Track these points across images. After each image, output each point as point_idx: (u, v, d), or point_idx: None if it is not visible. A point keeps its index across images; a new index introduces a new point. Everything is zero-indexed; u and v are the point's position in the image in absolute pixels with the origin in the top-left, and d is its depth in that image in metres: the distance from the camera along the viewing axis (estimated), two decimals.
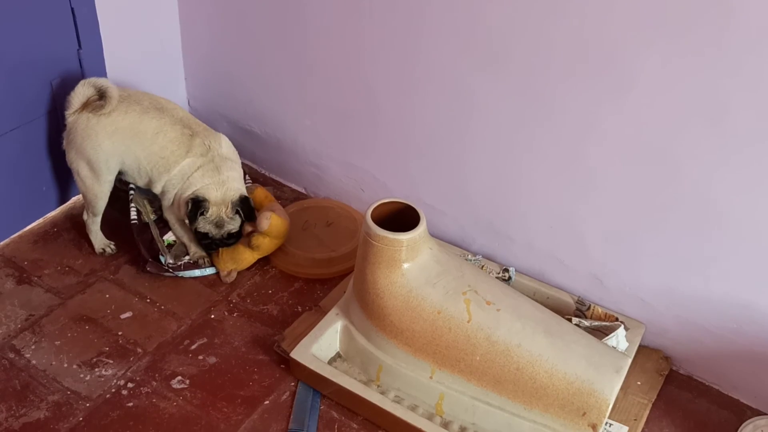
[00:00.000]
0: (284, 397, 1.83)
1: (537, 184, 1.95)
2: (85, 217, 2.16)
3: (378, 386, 1.81)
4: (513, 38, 1.78)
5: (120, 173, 2.10)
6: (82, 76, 2.14)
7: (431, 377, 1.74)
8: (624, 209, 1.83)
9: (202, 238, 2.08)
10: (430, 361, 1.73)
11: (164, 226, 2.19)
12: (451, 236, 2.20)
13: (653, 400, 1.85)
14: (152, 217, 2.21)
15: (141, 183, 2.12)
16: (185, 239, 2.15)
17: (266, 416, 1.78)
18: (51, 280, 2.09)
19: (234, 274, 2.13)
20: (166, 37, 2.41)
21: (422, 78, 1.99)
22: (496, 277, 2.03)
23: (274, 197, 2.29)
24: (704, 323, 1.85)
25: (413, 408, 1.75)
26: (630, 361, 1.71)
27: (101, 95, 2.01)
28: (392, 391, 1.79)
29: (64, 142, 2.08)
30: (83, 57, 2.14)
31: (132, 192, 2.20)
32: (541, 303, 1.85)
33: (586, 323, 1.89)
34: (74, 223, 2.26)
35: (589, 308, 1.96)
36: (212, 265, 2.14)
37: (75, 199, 2.34)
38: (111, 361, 1.88)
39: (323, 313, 1.95)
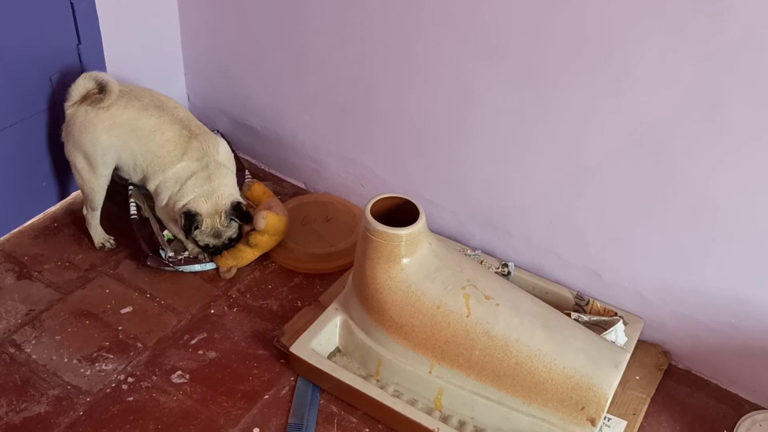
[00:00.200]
0: (284, 391, 1.84)
1: (536, 179, 1.95)
2: (84, 211, 2.16)
3: (377, 381, 1.81)
4: (511, 33, 1.78)
5: (116, 168, 2.11)
6: (82, 71, 2.13)
7: (430, 372, 1.75)
8: (623, 204, 1.83)
9: (205, 249, 2.09)
10: (429, 355, 1.74)
11: None
12: (451, 231, 2.20)
13: (652, 394, 1.86)
14: (151, 212, 2.21)
15: (135, 179, 2.12)
16: (181, 237, 2.15)
17: (266, 411, 1.79)
18: (51, 275, 2.09)
19: (233, 271, 2.14)
20: (166, 32, 2.41)
21: (421, 73, 1.99)
22: (495, 272, 2.04)
23: (272, 193, 2.29)
24: (703, 318, 1.86)
25: (412, 402, 1.76)
26: (629, 355, 1.71)
27: (101, 89, 2.00)
28: (391, 385, 1.80)
29: (63, 134, 2.08)
30: (83, 52, 2.14)
31: (131, 187, 2.20)
32: (540, 298, 1.85)
33: (585, 318, 1.90)
34: (74, 219, 2.26)
35: (588, 303, 1.96)
36: (212, 260, 2.15)
37: (75, 195, 2.34)
38: (111, 356, 1.89)
39: (323, 308, 1.95)
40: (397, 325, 1.74)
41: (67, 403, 1.77)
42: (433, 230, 2.11)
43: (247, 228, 2.11)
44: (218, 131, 2.50)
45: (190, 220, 2.01)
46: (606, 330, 1.82)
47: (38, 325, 1.95)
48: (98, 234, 2.18)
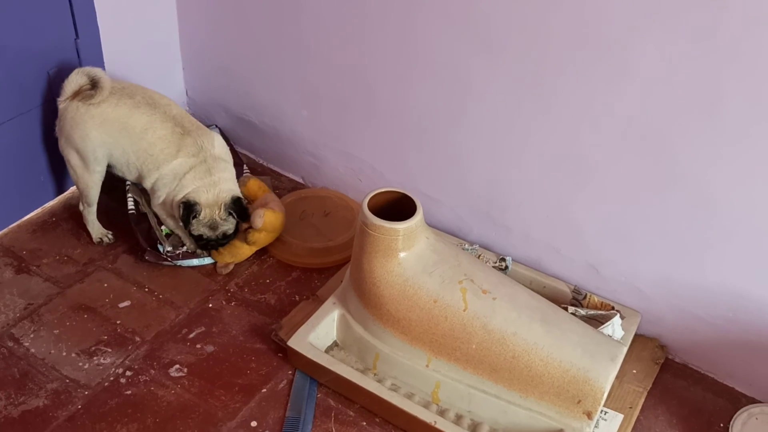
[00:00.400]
0: (281, 385, 1.84)
1: (534, 173, 1.95)
2: (80, 207, 2.16)
3: (375, 374, 1.82)
4: (510, 27, 1.78)
5: (110, 166, 2.10)
6: (80, 66, 2.14)
7: (427, 365, 1.75)
8: (621, 199, 1.83)
9: (197, 240, 2.08)
10: (427, 349, 1.74)
11: None
12: (449, 226, 2.20)
13: (648, 388, 1.86)
14: (149, 207, 2.21)
15: (131, 177, 2.12)
16: (179, 232, 2.15)
17: (264, 404, 1.79)
18: (50, 270, 2.09)
19: (231, 266, 2.14)
20: (164, 27, 2.41)
21: (419, 67, 1.99)
22: (493, 267, 2.04)
23: (268, 188, 2.28)
24: (700, 312, 1.86)
25: (410, 396, 1.77)
26: (625, 349, 1.72)
27: (93, 85, 2.00)
28: (389, 379, 1.80)
29: (56, 129, 2.08)
30: (80, 47, 2.14)
31: (128, 182, 2.20)
32: (538, 292, 1.86)
33: (582, 312, 1.90)
34: (72, 213, 2.26)
35: (585, 297, 1.97)
36: (210, 255, 2.15)
37: (73, 189, 2.34)
38: (109, 350, 1.89)
39: (320, 302, 1.95)
40: (394, 319, 1.75)
41: (65, 396, 1.78)
42: (431, 225, 2.12)
43: (244, 225, 2.11)
44: (216, 126, 2.50)
45: (189, 209, 2.00)
46: (603, 324, 1.83)
47: (37, 319, 1.95)
48: (96, 229, 2.18)
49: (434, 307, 1.70)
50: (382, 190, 1.77)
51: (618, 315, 1.86)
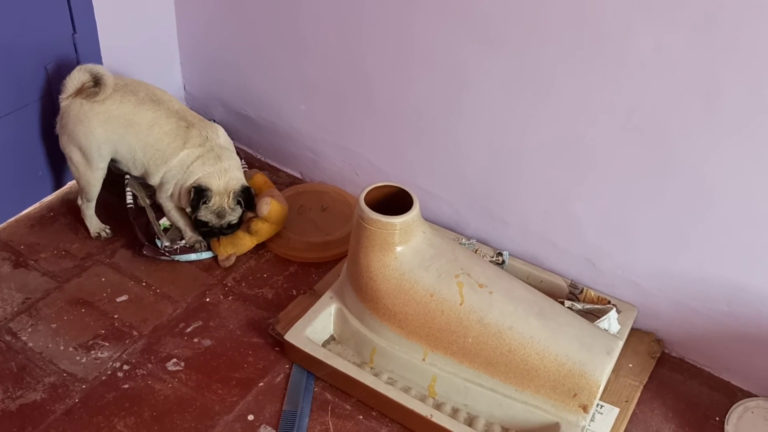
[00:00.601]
0: (278, 379, 1.85)
1: (532, 167, 1.95)
2: (79, 202, 2.17)
3: (371, 368, 1.82)
4: (508, 20, 1.78)
5: (114, 161, 2.11)
6: (77, 61, 2.14)
7: (424, 359, 1.76)
8: (619, 192, 1.83)
9: (201, 226, 2.09)
10: (423, 343, 1.75)
11: (160, 210, 2.19)
12: (446, 220, 2.21)
13: (645, 382, 1.87)
14: (148, 201, 2.21)
15: (136, 173, 2.13)
16: (181, 224, 2.16)
17: (260, 398, 1.80)
18: (47, 264, 2.10)
19: (233, 259, 2.15)
20: (162, 22, 2.41)
21: (417, 61, 1.99)
22: (490, 261, 2.04)
23: (272, 183, 2.30)
24: (696, 306, 1.87)
25: (406, 390, 1.77)
26: (621, 343, 1.72)
27: (96, 82, 2.00)
28: (385, 373, 1.81)
29: (57, 126, 2.08)
30: (78, 41, 2.14)
31: (128, 177, 2.20)
32: (535, 286, 1.86)
33: (579, 306, 1.91)
34: (70, 208, 2.27)
35: (581, 291, 1.97)
36: (208, 249, 2.15)
37: (71, 184, 2.34)
38: (107, 344, 1.90)
39: (318, 296, 1.96)
40: (391, 313, 1.75)
41: (62, 390, 1.78)
42: (429, 219, 2.12)
43: (249, 215, 2.11)
44: (214, 121, 2.50)
45: (200, 194, 2.01)
46: (599, 318, 1.83)
47: (34, 313, 1.96)
48: (94, 223, 2.19)
49: (431, 301, 1.71)
50: (379, 184, 1.77)
51: (614, 309, 1.86)
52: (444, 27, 1.89)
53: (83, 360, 1.85)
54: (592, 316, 1.86)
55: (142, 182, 2.22)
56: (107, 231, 2.19)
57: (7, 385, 1.78)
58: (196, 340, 1.93)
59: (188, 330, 1.95)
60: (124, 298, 2.02)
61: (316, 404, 1.79)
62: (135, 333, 1.93)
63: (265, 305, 2.04)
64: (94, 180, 2.09)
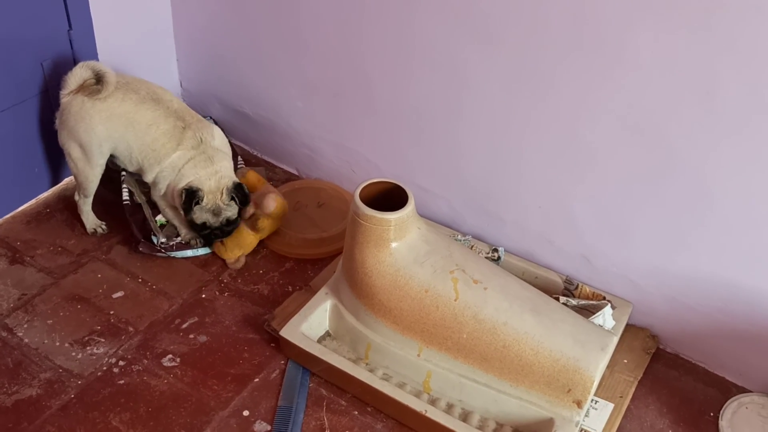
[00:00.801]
0: (274, 375, 1.85)
1: (530, 165, 1.95)
2: (76, 197, 2.17)
3: (366, 364, 1.82)
4: (507, 18, 1.77)
5: (113, 157, 2.11)
6: (73, 57, 2.14)
7: (419, 355, 1.76)
8: (617, 190, 1.83)
9: (200, 230, 2.08)
10: (418, 339, 1.75)
11: (156, 206, 2.19)
12: (442, 217, 2.21)
13: (639, 378, 1.87)
14: (144, 198, 2.21)
15: (132, 169, 2.13)
16: (176, 222, 2.16)
17: (256, 394, 1.80)
18: (44, 260, 2.10)
19: (242, 260, 2.14)
20: (158, 18, 2.41)
21: (416, 59, 1.99)
22: (485, 257, 2.05)
23: (266, 180, 2.30)
24: (691, 302, 1.87)
25: (401, 385, 1.77)
26: (616, 339, 1.72)
27: (98, 79, 2.00)
28: (380, 369, 1.81)
29: (57, 122, 2.08)
30: (74, 38, 2.14)
31: (124, 173, 2.21)
32: (530, 282, 1.86)
33: (574, 302, 1.91)
34: (66, 204, 2.27)
35: (576, 287, 1.97)
36: (205, 245, 2.15)
37: (67, 181, 2.35)
38: (103, 340, 1.90)
39: (313, 292, 1.96)
40: (386, 308, 1.75)
41: (58, 386, 1.79)
42: (425, 216, 2.12)
43: (250, 211, 2.11)
44: (211, 118, 2.50)
45: (191, 196, 2.00)
46: (594, 314, 1.83)
47: (30, 309, 1.96)
48: (90, 219, 2.19)
49: (425, 296, 1.71)
50: (374, 180, 1.77)
51: (609, 305, 1.87)
52: (444, 26, 1.88)
53: (79, 356, 1.86)
54: (587, 312, 1.87)
55: (139, 179, 2.22)
56: (103, 227, 2.20)
57: (3, 380, 1.79)
58: (191, 336, 1.93)
59: (184, 326, 1.96)
60: (120, 294, 2.03)
61: (311, 400, 1.80)
62: (131, 329, 1.94)
63: (260, 301, 2.04)
64: (92, 176, 2.10)
